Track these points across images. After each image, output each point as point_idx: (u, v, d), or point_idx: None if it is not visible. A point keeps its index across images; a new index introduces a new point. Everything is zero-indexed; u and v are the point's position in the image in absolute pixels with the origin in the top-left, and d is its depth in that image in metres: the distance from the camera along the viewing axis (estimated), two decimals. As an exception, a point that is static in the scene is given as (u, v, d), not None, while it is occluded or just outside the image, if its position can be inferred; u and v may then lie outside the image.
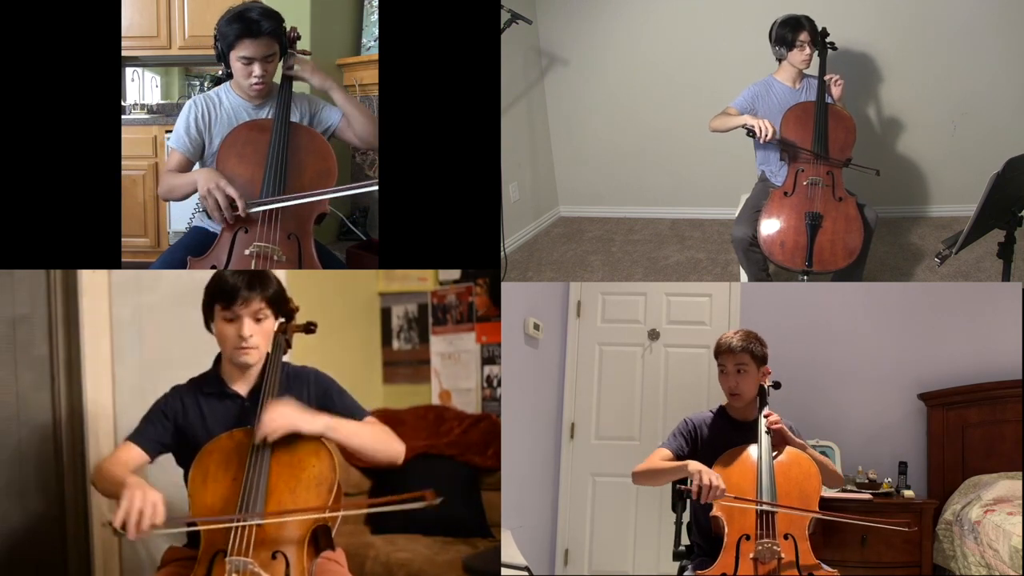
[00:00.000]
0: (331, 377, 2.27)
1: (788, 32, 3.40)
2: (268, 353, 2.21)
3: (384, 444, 2.16)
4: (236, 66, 2.73)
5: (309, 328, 2.33)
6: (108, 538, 2.99)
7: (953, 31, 4.23)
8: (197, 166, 2.82)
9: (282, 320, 2.26)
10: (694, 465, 2.35)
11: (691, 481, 2.31)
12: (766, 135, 3.23)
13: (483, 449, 3.45)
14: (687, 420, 2.62)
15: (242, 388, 2.19)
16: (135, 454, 2.11)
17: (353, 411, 2.20)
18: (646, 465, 2.52)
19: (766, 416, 2.49)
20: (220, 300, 2.11)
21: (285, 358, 2.25)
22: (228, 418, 2.15)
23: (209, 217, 2.68)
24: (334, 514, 2.05)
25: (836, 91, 3.43)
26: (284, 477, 2.01)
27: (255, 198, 2.63)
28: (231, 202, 2.57)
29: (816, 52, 3.43)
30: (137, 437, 2.13)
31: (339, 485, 2.06)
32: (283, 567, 1.94)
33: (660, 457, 2.53)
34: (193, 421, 2.16)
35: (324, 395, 2.21)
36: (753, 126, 3.26)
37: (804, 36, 3.39)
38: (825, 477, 2.52)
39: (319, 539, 2.05)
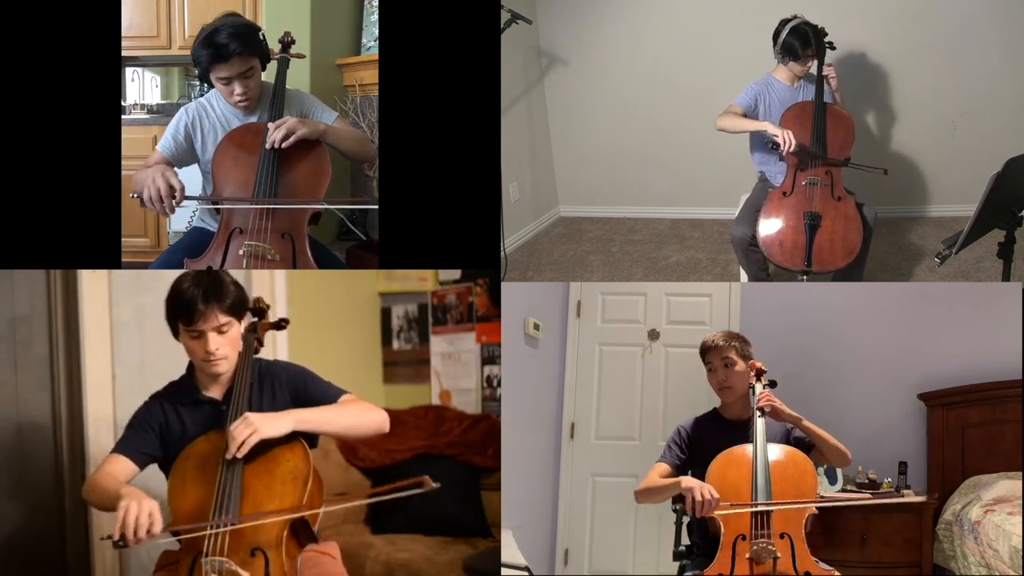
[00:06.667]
0: (302, 366, 2.27)
1: (798, 45, 3.36)
2: (239, 353, 2.21)
3: (362, 419, 2.17)
4: (217, 85, 2.74)
5: (280, 324, 2.33)
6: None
7: (953, 31, 4.22)
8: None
9: (253, 320, 2.26)
10: (686, 482, 2.35)
11: (686, 499, 2.31)
12: (790, 147, 3.21)
13: (483, 449, 3.45)
14: (678, 429, 2.64)
15: (216, 392, 2.20)
16: (123, 466, 2.11)
17: (327, 395, 2.20)
18: (645, 484, 2.53)
19: (759, 400, 2.49)
20: (180, 317, 2.11)
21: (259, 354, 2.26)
22: (206, 424, 2.16)
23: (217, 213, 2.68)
24: (312, 512, 2.06)
25: (833, 82, 3.43)
26: (258, 474, 2.02)
27: (248, 199, 2.63)
28: (171, 189, 2.54)
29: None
30: (124, 448, 2.14)
31: (316, 475, 2.07)
32: (263, 564, 1.94)
33: (659, 473, 2.55)
34: (175, 431, 2.17)
35: (296, 386, 2.21)
36: (777, 136, 3.22)
37: (811, 51, 3.38)
38: (829, 453, 2.50)
39: (299, 534, 2.06)
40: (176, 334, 2.16)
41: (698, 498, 2.28)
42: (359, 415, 2.17)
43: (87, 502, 2.10)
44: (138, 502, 1.89)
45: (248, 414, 2.03)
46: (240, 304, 2.16)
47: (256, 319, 2.28)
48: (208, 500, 1.98)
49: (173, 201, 2.55)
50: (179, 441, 2.15)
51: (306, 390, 2.20)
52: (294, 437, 2.07)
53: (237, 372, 2.18)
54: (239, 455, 1.99)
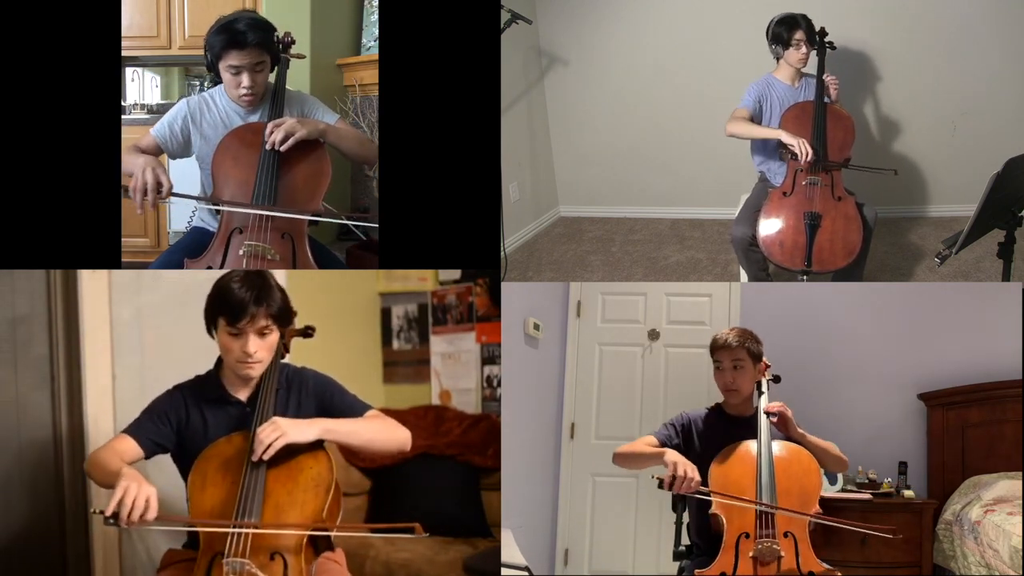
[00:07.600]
0: (329, 376, 2.27)
1: (784, 31, 3.40)
2: None
3: (387, 435, 2.18)
4: (225, 76, 2.74)
5: (307, 332, 2.34)
6: (108, 538, 3.00)
7: (953, 31, 4.22)
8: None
9: None
10: (671, 455, 2.32)
11: (666, 473, 2.28)
12: (808, 157, 3.20)
13: (483, 449, 3.45)
14: (683, 414, 2.62)
15: (243, 394, 2.20)
16: (130, 447, 2.10)
17: (353, 408, 2.20)
18: (628, 447, 2.50)
19: (768, 406, 2.49)
20: (224, 314, 2.09)
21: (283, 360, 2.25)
22: (229, 424, 2.15)
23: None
24: (322, 533, 2.06)
25: (833, 93, 3.44)
26: (281, 479, 2.02)
27: (248, 200, 2.63)
28: (159, 186, 2.54)
29: (813, 51, 3.43)
30: (135, 432, 2.13)
31: (337, 485, 2.07)
32: (281, 568, 1.95)
33: (644, 443, 2.51)
34: (195, 428, 2.16)
35: (323, 395, 2.21)
36: (793, 145, 3.22)
37: (799, 35, 3.39)
38: (828, 462, 2.51)
39: (317, 541, 2.06)
40: (211, 330, 2.15)
41: (680, 473, 2.25)
42: (385, 431, 2.18)
43: (90, 477, 2.08)
44: (138, 484, 1.89)
45: (276, 418, 2.04)
46: (285, 313, 2.16)
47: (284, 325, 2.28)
48: (228, 501, 1.98)
49: (158, 197, 2.55)
50: (196, 437, 2.14)
51: (332, 401, 2.21)
52: (319, 446, 2.08)
53: (264, 376, 2.17)
54: (265, 457, 1.99)
